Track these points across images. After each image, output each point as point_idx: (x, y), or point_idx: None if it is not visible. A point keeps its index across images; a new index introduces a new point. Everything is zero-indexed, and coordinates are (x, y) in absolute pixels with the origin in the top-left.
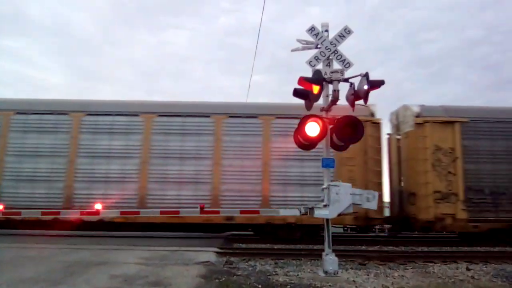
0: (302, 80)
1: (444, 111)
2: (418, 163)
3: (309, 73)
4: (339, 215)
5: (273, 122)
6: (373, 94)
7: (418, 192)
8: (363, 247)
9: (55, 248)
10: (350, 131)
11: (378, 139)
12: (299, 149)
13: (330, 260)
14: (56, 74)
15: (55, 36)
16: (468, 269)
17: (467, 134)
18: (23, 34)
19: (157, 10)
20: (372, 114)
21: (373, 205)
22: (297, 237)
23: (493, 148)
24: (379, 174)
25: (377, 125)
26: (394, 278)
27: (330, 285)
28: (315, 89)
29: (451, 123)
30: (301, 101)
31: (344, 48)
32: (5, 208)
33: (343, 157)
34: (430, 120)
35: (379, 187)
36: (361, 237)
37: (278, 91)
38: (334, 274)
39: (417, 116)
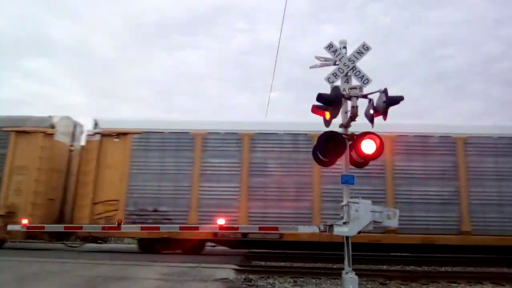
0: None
1: None
2: None
3: (326, 89)
4: (359, 232)
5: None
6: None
7: None
8: (384, 266)
9: (76, 263)
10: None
11: None
12: None
13: (350, 278)
14: (77, 93)
15: (75, 57)
16: None
17: None
18: (43, 55)
19: (173, 31)
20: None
21: (394, 223)
22: None
23: None
24: None
25: None
26: None
27: None
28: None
29: None
30: None
31: (360, 65)
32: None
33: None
34: None
35: None
36: (382, 256)
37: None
38: None
39: None
